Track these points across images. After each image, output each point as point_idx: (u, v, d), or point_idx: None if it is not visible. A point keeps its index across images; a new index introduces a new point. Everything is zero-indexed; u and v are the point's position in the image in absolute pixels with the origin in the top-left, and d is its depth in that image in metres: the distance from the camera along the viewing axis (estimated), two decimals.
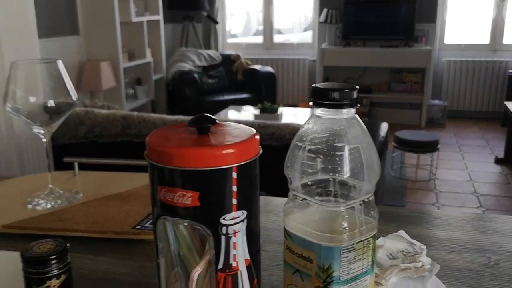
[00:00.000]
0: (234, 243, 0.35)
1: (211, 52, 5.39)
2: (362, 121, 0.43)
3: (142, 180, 0.88)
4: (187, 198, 0.34)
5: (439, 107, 5.01)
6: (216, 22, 5.63)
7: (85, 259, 0.63)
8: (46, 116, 0.76)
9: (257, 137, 0.36)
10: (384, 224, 0.71)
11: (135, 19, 4.29)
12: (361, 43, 5.02)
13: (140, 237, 0.68)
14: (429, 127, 4.97)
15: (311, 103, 0.43)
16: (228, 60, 5.31)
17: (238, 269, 0.36)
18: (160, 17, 4.80)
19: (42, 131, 0.76)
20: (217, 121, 0.37)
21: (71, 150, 2.38)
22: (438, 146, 3.48)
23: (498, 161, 3.89)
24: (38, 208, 0.76)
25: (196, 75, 4.87)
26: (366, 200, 0.43)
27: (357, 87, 0.41)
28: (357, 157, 0.41)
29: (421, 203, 3.20)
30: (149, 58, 4.67)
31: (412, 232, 0.67)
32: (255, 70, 5.10)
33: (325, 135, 0.42)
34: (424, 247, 0.59)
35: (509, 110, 3.58)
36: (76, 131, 2.34)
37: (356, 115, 0.42)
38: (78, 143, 2.36)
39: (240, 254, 0.36)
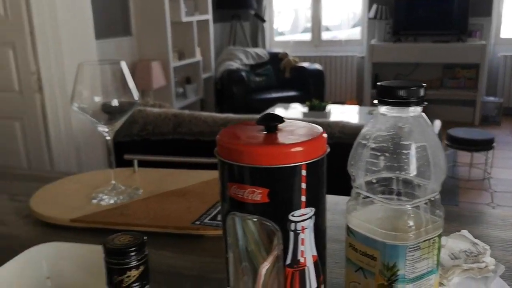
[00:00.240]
0: (302, 239, 0.36)
1: (259, 50, 5.41)
2: None
3: (198, 177, 0.90)
4: (257, 194, 0.35)
5: (494, 104, 4.82)
6: (264, 21, 5.64)
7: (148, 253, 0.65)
8: (109, 115, 0.79)
9: (325, 135, 0.36)
10: (445, 224, 0.70)
11: (185, 19, 4.37)
12: (412, 39, 4.90)
13: (199, 233, 0.70)
14: (483, 124, 4.79)
15: (375, 101, 0.43)
16: (276, 58, 5.32)
17: (305, 265, 0.37)
18: (209, 16, 4.86)
19: (106, 129, 0.80)
20: (284, 119, 0.38)
21: (125, 148, 2.46)
22: (494, 144, 3.35)
23: None
24: (102, 203, 0.80)
25: (243, 74, 4.91)
26: (432, 198, 0.43)
27: (424, 84, 0.41)
28: (424, 156, 0.41)
29: (474, 202, 3.10)
30: (198, 57, 4.74)
31: (474, 232, 0.65)
32: (303, 67, 5.08)
33: (390, 133, 0.42)
34: (488, 247, 0.57)
35: None
36: (130, 129, 2.41)
37: (423, 113, 0.42)
38: (132, 140, 2.43)
39: (307, 250, 0.36)
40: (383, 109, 0.42)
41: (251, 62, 5.31)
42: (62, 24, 2.05)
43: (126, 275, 0.33)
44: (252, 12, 5.54)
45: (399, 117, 0.42)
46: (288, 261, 0.36)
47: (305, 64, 5.15)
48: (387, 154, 0.41)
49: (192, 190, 0.84)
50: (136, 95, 0.79)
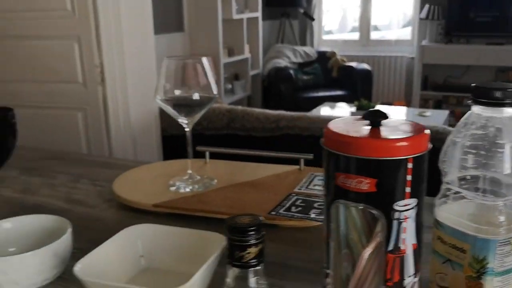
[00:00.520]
0: (405, 228, 0.39)
1: (307, 48, 5.42)
2: None
3: (267, 170, 0.93)
4: (365, 184, 0.37)
5: None
6: (313, 19, 5.64)
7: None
8: (189, 108, 0.83)
9: (427, 131, 0.39)
10: None
11: (235, 16, 4.43)
12: (464, 40, 4.78)
13: (275, 222, 0.73)
14: None
15: (469, 101, 0.45)
16: (324, 57, 5.30)
17: (405, 252, 0.39)
18: (259, 14, 4.91)
19: (186, 121, 0.84)
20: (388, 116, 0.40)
21: (181, 141, 2.54)
22: None
23: None
24: (180, 190, 0.84)
25: (291, 72, 4.93)
26: None
27: None
28: None
29: None
30: (247, 54, 4.80)
31: None
32: (351, 67, 5.05)
33: (485, 132, 0.44)
34: None
35: None
36: None
37: None
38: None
39: (408, 239, 0.39)
40: (477, 108, 0.44)
41: (299, 60, 5.32)
42: (124, 19, 2.14)
43: (247, 251, 0.36)
44: (301, 10, 5.55)
45: (493, 117, 0.44)
46: (391, 247, 0.39)
47: (353, 64, 5.11)
48: (482, 152, 0.43)
49: (264, 182, 0.88)
50: (215, 89, 0.83)
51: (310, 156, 0.92)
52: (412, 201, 0.38)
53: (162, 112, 2.54)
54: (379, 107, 3.95)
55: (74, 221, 0.64)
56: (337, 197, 0.40)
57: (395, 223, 0.38)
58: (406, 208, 0.38)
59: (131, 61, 2.22)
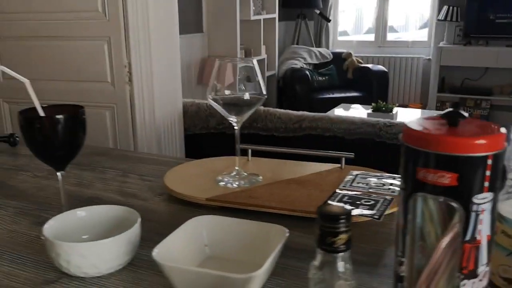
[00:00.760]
0: (481, 220, 0.41)
1: (322, 50, 5.44)
2: None
3: (309, 168, 0.96)
4: (446, 178, 0.40)
5: None
6: (329, 20, 5.66)
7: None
8: (239, 107, 0.87)
9: (504, 130, 0.42)
10: None
11: (253, 17, 4.46)
12: (483, 42, 4.78)
13: None
14: None
15: None
16: (339, 58, 5.32)
17: (481, 243, 0.42)
18: (275, 15, 4.94)
19: (235, 120, 0.88)
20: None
21: (202, 140, 2.57)
22: None
23: None
24: (228, 186, 0.88)
25: (307, 72, 4.95)
26: None
27: None
28: None
29: None
30: (263, 55, 4.83)
31: None
32: (367, 68, 5.06)
33: None
34: None
35: None
36: (207, 123, 2.52)
37: None
38: (208, 133, 2.54)
39: (484, 230, 0.42)
40: None
41: (315, 61, 5.34)
42: (152, 21, 2.18)
43: (338, 237, 0.39)
44: (317, 11, 5.57)
45: None
46: (468, 238, 0.42)
47: (369, 65, 5.13)
48: None
49: (307, 180, 0.91)
50: (264, 90, 0.86)
51: (351, 155, 0.95)
52: (489, 195, 0.41)
53: (185, 112, 2.58)
54: (396, 109, 3.97)
55: None
56: (416, 190, 0.43)
57: (472, 215, 0.41)
58: (483, 201, 0.41)
59: (158, 61, 2.26)
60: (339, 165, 0.96)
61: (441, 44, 5.00)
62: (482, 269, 0.43)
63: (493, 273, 0.51)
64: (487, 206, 0.41)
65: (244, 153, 1.01)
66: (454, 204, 0.41)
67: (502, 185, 0.43)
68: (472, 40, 4.82)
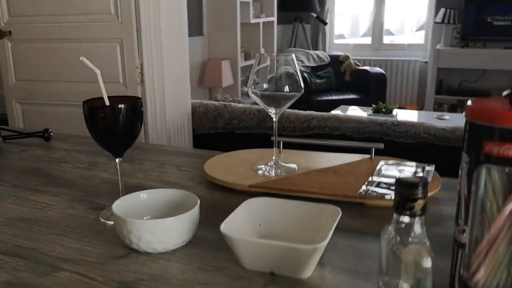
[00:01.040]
0: None
1: (319, 52, 5.50)
2: None
3: (339, 159, 1.01)
4: None
5: None
6: (325, 23, 5.73)
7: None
8: (278, 100, 0.91)
9: None
10: None
11: (253, 20, 4.52)
12: (481, 44, 4.87)
13: (365, 201, 0.81)
14: None
15: None
16: (336, 61, 5.39)
17: None
18: (274, 18, 5.00)
19: (274, 112, 0.92)
20: None
21: (211, 140, 2.61)
22: None
23: None
24: (266, 174, 0.92)
25: (305, 75, 5.01)
26: None
27: None
28: None
29: None
30: None
31: None
32: (365, 70, 5.14)
33: None
34: None
35: None
36: (215, 123, 2.56)
37: None
38: (217, 133, 2.58)
39: None
40: None
41: (312, 64, 5.40)
42: (163, 23, 2.22)
43: (417, 202, 0.44)
44: (314, 14, 5.64)
45: None
46: None
47: (367, 67, 5.20)
48: None
49: (341, 168, 0.95)
50: (302, 84, 0.91)
51: (381, 146, 1.00)
52: None
53: (194, 112, 2.62)
54: (396, 110, 4.03)
55: None
56: (483, 162, 0.47)
57: None
58: None
59: (168, 63, 2.30)
60: (368, 155, 1.01)
61: (438, 47, 5.08)
62: None
63: None
64: None
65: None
66: None
67: None
68: (469, 42, 4.91)
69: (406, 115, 4.02)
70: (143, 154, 1.11)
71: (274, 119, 0.94)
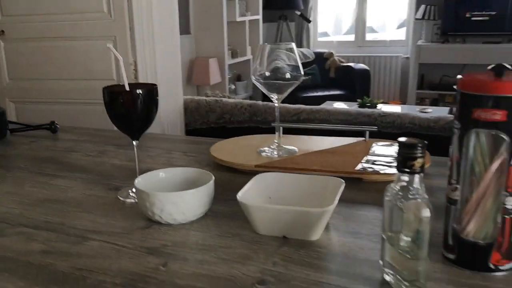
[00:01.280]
0: None
1: (304, 50, 5.58)
2: None
3: (335, 142, 1.08)
4: (498, 115, 0.52)
5: None
6: (309, 21, 5.82)
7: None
8: (279, 86, 0.97)
9: None
10: None
11: (239, 18, 4.58)
12: (461, 40, 5.00)
13: (363, 177, 0.88)
14: None
15: None
16: (321, 58, 5.48)
17: None
18: (259, 16, 5.07)
19: (276, 97, 0.98)
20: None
21: (203, 134, 2.67)
22: None
23: None
24: (269, 155, 0.99)
25: None
26: None
27: None
28: None
29: None
30: (249, 55, 4.95)
31: None
32: (349, 67, 5.24)
33: None
34: None
35: None
36: (207, 118, 2.62)
37: None
38: (209, 128, 2.64)
39: None
40: None
41: None
42: (155, 21, 2.27)
43: (417, 161, 0.51)
44: (298, 12, 5.72)
45: None
46: None
47: (351, 64, 5.30)
48: None
49: (338, 150, 1.02)
50: (302, 71, 0.98)
51: (375, 128, 1.07)
52: None
53: (186, 108, 2.67)
54: (381, 105, 4.13)
55: None
56: (472, 127, 0.54)
57: None
58: None
59: (161, 60, 2.35)
60: (363, 138, 1.08)
61: (419, 43, 5.20)
62: None
63: None
64: None
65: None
66: (503, 136, 0.53)
67: None
68: (449, 38, 5.04)
69: (391, 109, 4.12)
70: (149, 142, 1.17)
71: (276, 104, 1.00)
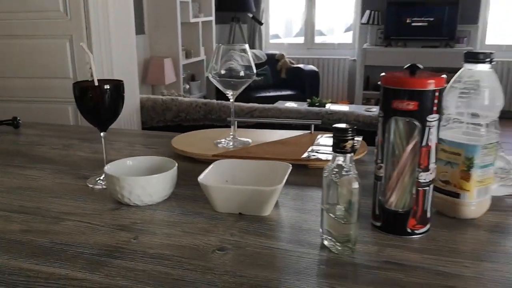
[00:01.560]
0: (432, 132, 0.66)
1: (257, 51, 5.71)
2: None
3: (284, 135, 1.19)
4: (411, 105, 0.64)
5: None
6: (261, 23, 5.96)
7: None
8: (234, 83, 1.08)
9: (444, 76, 0.66)
10: None
11: (192, 19, 4.65)
12: (402, 44, 5.29)
13: (308, 163, 1.00)
14: None
15: (462, 63, 0.74)
16: (272, 59, 5.63)
17: (431, 147, 0.67)
18: (212, 18, 5.15)
19: (231, 93, 1.09)
20: (420, 67, 0.68)
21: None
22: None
23: None
24: (225, 146, 1.09)
25: None
26: (494, 120, 0.73)
27: (494, 52, 0.72)
28: (492, 95, 0.71)
29: None
30: (202, 56, 5.02)
31: None
32: (299, 68, 5.41)
33: (473, 79, 0.72)
34: None
35: None
36: (163, 116, 2.69)
37: (492, 70, 0.72)
38: (165, 126, 2.71)
39: (433, 139, 0.66)
40: (469, 66, 0.72)
41: None
42: (112, 20, 2.32)
43: (348, 142, 0.62)
44: (250, 15, 5.85)
45: (478, 71, 0.72)
46: (424, 144, 0.66)
47: (301, 65, 5.48)
48: (472, 93, 0.72)
49: (288, 141, 1.14)
50: (255, 70, 1.08)
51: (319, 122, 1.19)
52: (437, 116, 0.66)
53: (142, 106, 2.73)
54: (329, 104, 4.32)
55: None
56: (392, 115, 0.66)
57: (427, 129, 0.65)
58: (433, 119, 0.65)
59: (117, 58, 2.40)
60: (308, 131, 1.20)
61: (365, 46, 5.45)
62: (432, 166, 0.68)
63: (434, 180, 0.76)
64: (435, 123, 0.66)
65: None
66: (415, 122, 0.66)
67: (442, 113, 0.69)
68: (392, 42, 5.31)
69: (338, 108, 4.31)
70: (112, 137, 1.24)
71: (231, 100, 1.10)
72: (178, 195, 0.85)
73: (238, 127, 1.20)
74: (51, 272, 0.62)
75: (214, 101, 2.68)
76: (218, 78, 1.07)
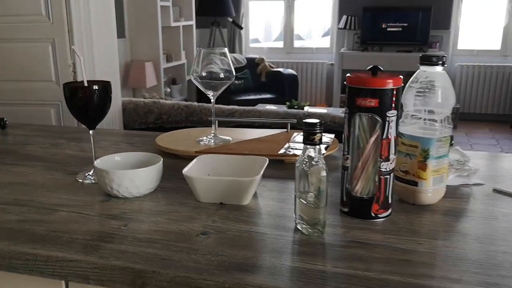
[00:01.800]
0: (391, 126, 0.74)
1: (237, 55, 5.79)
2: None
3: (262, 133, 1.27)
4: (372, 102, 0.72)
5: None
6: (241, 28, 6.04)
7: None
8: (214, 85, 1.15)
9: (401, 77, 0.75)
10: None
11: (173, 24, 4.70)
12: (378, 48, 5.43)
13: (283, 158, 1.07)
14: None
15: (418, 65, 0.82)
16: (252, 63, 5.72)
17: (391, 140, 0.75)
18: (193, 22, 5.21)
19: (212, 94, 1.16)
20: (381, 69, 0.76)
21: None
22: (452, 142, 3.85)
23: None
24: (207, 143, 1.16)
25: None
26: (447, 116, 0.82)
27: (446, 55, 0.80)
28: (445, 93, 0.80)
29: None
30: (183, 60, 5.08)
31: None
32: (279, 72, 5.51)
33: (428, 80, 0.81)
34: (470, 158, 0.98)
35: None
36: (145, 118, 2.74)
37: (444, 71, 0.81)
38: (148, 128, 2.76)
39: (392, 132, 0.74)
40: (424, 68, 0.81)
41: None
42: (93, 24, 2.37)
43: (317, 135, 0.70)
44: (230, 19, 5.93)
45: (432, 72, 0.81)
46: (384, 137, 0.74)
47: (281, 69, 5.58)
48: (426, 92, 0.80)
49: (265, 139, 1.21)
50: (233, 72, 1.15)
51: (295, 121, 1.27)
52: (395, 112, 0.74)
53: (124, 109, 2.78)
54: (307, 107, 4.42)
55: None
56: (356, 111, 0.74)
57: (387, 123, 0.73)
58: (392, 115, 0.74)
59: (99, 61, 2.45)
60: (285, 130, 1.28)
61: (342, 50, 5.58)
62: (392, 157, 0.76)
63: (395, 170, 0.85)
64: (394, 118, 0.74)
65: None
66: (376, 117, 0.74)
67: (402, 110, 0.77)
68: (368, 46, 5.45)
69: (316, 111, 4.41)
70: (98, 136, 1.29)
71: (212, 100, 1.17)
72: (163, 188, 0.92)
73: (219, 127, 1.27)
74: (49, 255, 0.68)
75: (196, 103, 2.74)
76: (199, 80, 1.14)
